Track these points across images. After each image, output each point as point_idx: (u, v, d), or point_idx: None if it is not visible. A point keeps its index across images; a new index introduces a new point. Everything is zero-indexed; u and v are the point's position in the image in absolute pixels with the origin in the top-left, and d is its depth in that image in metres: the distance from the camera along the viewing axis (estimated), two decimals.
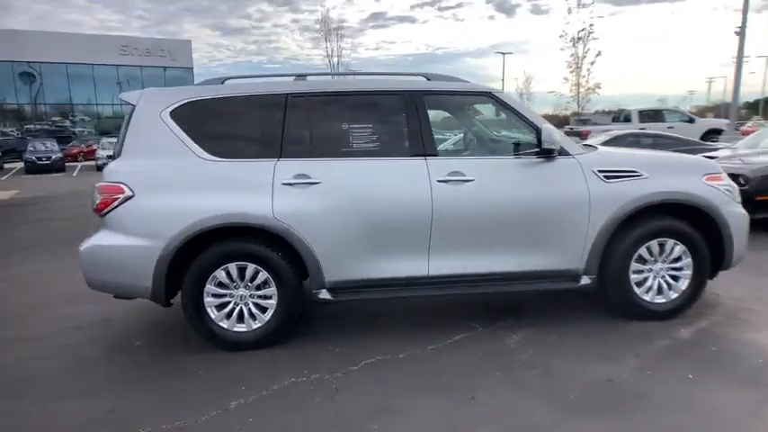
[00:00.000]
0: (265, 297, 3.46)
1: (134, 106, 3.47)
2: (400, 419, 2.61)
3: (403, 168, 3.49)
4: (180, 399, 2.89)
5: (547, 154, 3.51)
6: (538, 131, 3.55)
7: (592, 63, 33.98)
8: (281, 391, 2.93)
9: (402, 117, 3.55)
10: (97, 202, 3.37)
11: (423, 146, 3.51)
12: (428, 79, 3.72)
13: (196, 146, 3.40)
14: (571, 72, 34.82)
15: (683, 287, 3.75)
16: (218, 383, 3.05)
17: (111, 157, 4.34)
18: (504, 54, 40.67)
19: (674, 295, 3.76)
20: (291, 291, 3.44)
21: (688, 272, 3.73)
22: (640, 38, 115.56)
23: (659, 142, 10.05)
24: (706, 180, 3.71)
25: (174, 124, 3.42)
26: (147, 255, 3.31)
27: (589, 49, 34.07)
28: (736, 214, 3.72)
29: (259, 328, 3.47)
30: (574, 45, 34.15)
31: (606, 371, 3.05)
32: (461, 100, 3.84)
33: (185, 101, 3.47)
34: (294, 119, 3.48)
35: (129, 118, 3.46)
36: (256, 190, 3.37)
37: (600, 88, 34.72)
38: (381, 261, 3.49)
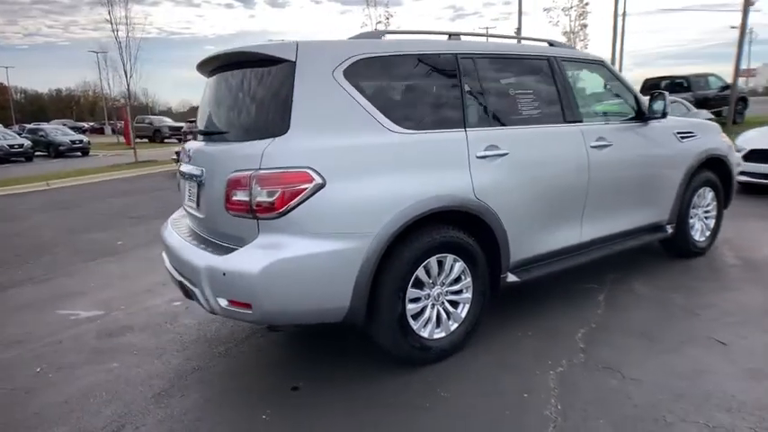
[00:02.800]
0: (457, 292, 2.95)
1: (293, 63, 2.49)
2: (714, 378, 2.61)
3: (567, 135, 3.37)
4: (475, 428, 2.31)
5: (663, 117, 3.85)
6: (636, 98, 3.87)
7: None
8: (568, 389, 2.58)
9: (553, 82, 3.40)
10: (269, 197, 2.35)
11: (574, 112, 3.45)
12: (551, 45, 3.64)
13: (381, 115, 2.65)
14: None
15: (712, 226, 4.59)
16: (479, 400, 2.52)
17: (182, 134, 3.04)
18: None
19: (707, 233, 4.57)
20: (484, 279, 3.02)
21: (714, 212, 4.58)
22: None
23: None
24: (722, 138, 4.59)
25: (352, 87, 2.59)
26: (348, 261, 2.48)
27: None
28: (735, 163, 4.71)
29: (457, 328, 2.95)
30: None
31: (749, 297, 3.57)
32: (579, 67, 3.84)
33: (358, 57, 2.65)
34: (469, 82, 3.01)
35: (291, 78, 2.48)
36: (454, 166, 2.83)
37: None
38: (550, 233, 3.33)
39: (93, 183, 13.49)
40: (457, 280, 2.93)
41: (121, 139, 33.63)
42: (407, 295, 2.71)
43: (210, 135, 2.95)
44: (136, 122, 23.52)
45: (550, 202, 3.26)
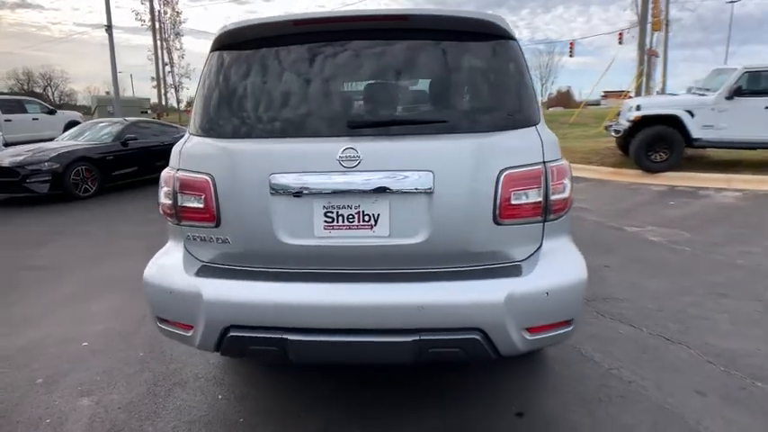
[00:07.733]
0: None
1: (515, 40, 2.18)
2: None
3: None
4: None
5: None
6: None
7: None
8: None
9: None
10: (565, 193, 2.08)
11: None
12: None
13: None
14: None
15: None
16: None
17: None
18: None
19: None
20: None
21: None
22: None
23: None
24: None
25: None
26: None
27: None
28: None
29: None
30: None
31: None
32: None
33: None
34: None
35: (520, 58, 2.16)
36: None
37: None
38: None
39: None
40: None
41: None
42: None
43: (390, 126, 2.04)
44: None
45: None
